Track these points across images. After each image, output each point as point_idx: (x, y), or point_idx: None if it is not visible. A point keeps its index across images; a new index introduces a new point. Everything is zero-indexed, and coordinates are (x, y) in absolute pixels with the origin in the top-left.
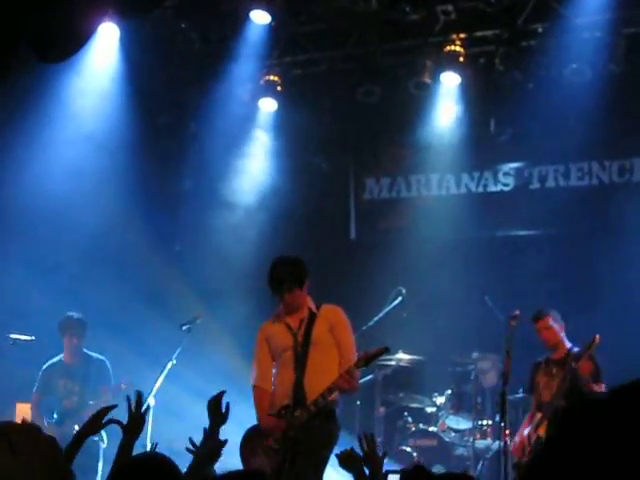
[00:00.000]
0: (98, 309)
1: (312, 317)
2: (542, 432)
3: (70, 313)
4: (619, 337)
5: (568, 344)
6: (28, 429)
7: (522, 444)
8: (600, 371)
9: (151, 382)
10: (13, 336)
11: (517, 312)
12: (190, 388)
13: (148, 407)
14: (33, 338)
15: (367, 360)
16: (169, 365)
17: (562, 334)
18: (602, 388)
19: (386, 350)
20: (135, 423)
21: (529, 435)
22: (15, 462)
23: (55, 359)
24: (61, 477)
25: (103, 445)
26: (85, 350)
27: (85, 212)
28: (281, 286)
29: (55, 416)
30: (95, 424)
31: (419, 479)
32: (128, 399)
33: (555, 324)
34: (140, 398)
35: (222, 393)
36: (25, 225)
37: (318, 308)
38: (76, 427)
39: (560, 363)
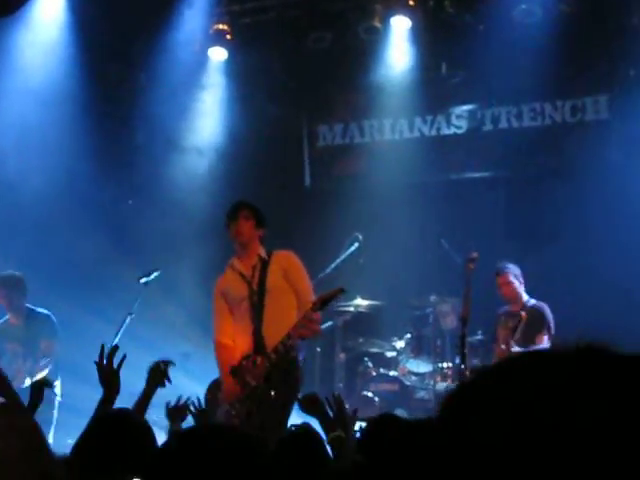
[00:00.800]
0: (54, 269)
1: (264, 264)
2: None
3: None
4: (575, 277)
5: (525, 297)
6: (4, 407)
7: None
8: (544, 322)
9: (111, 337)
10: None
11: (475, 254)
12: (147, 343)
13: (124, 357)
14: None
15: (324, 302)
16: (127, 319)
17: (521, 288)
18: (542, 339)
19: (342, 291)
20: (109, 378)
21: None
22: None
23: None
24: (41, 455)
25: (57, 398)
26: (28, 305)
27: (33, 169)
28: (237, 211)
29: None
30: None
31: (385, 426)
32: (101, 351)
33: (514, 280)
34: (114, 351)
35: (167, 363)
36: None
37: (270, 255)
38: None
39: (516, 315)
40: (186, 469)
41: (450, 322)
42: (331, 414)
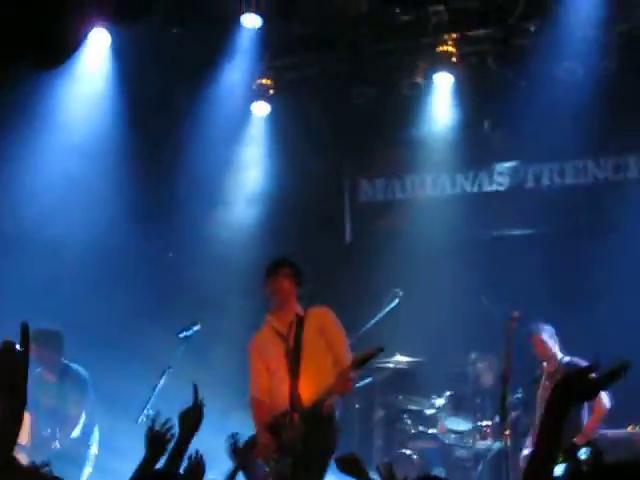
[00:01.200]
0: (94, 322)
1: (300, 321)
2: None
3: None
4: (617, 337)
5: (559, 355)
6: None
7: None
8: None
9: (149, 391)
10: None
11: (517, 313)
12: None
13: (171, 426)
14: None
15: (362, 361)
16: (166, 373)
17: (555, 348)
18: None
19: (381, 350)
20: (157, 441)
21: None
22: None
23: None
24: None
25: (94, 451)
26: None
27: (77, 223)
28: (277, 268)
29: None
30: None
31: None
32: (154, 420)
33: (549, 339)
34: (158, 419)
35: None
36: (16, 238)
37: (306, 312)
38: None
39: (552, 375)
40: None
41: (489, 380)
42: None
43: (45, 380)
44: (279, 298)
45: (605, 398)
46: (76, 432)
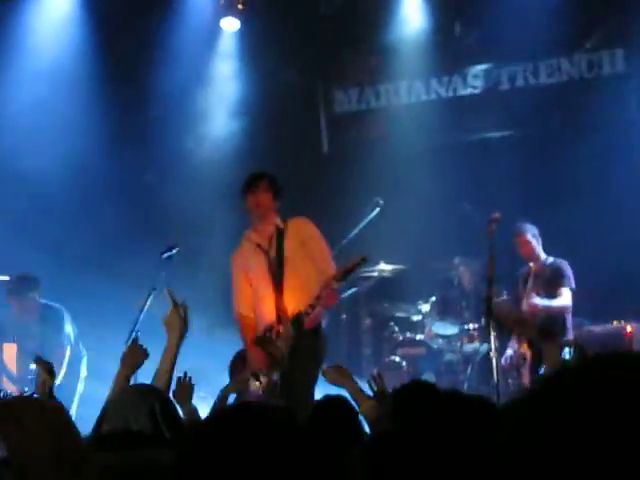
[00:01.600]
0: (75, 248)
1: (280, 233)
2: (524, 349)
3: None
4: (598, 235)
5: (543, 255)
6: (32, 402)
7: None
8: (564, 277)
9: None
10: None
11: (497, 215)
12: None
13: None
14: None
15: (347, 272)
16: (151, 295)
17: (539, 247)
18: (562, 293)
19: (364, 260)
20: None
21: (514, 351)
22: (21, 433)
23: None
24: (70, 441)
25: (83, 374)
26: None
27: (49, 149)
28: (254, 182)
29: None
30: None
31: (416, 394)
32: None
33: (532, 239)
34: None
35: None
36: None
37: (285, 224)
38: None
39: (538, 275)
40: (219, 445)
41: (473, 283)
42: (371, 393)
43: (26, 323)
44: (258, 212)
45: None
46: (63, 368)
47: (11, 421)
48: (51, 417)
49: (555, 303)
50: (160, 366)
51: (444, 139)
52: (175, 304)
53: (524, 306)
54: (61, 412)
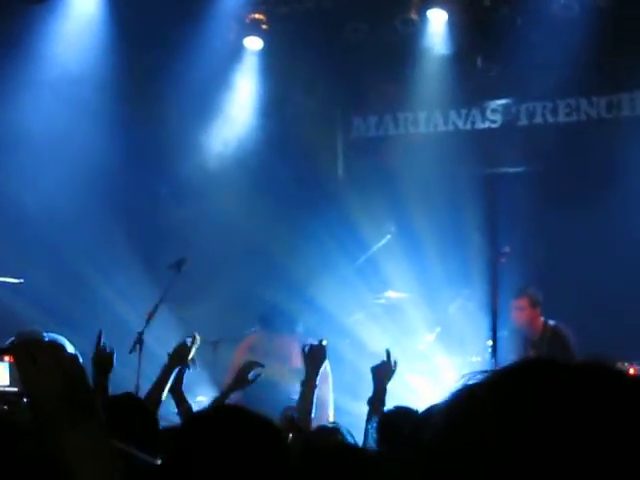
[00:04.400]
0: (83, 258)
1: None
2: None
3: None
4: (612, 266)
5: (540, 321)
6: (52, 346)
7: None
8: (567, 342)
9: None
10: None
11: (507, 249)
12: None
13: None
14: (22, 281)
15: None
16: (158, 307)
17: (537, 316)
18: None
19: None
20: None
21: None
22: (36, 372)
23: None
24: (81, 382)
25: None
26: None
27: (68, 159)
28: None
29: None
30: (181, 355)
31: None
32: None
33: (531, 308)
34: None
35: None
36: (9, 172)
37: None
38: None
39: (536, 344)
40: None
41: (480, 316)
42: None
43: None
44: None
45: None
46: None
47: (28, 358)
48: (63, 358)
49: None
50: (152, 388)
51: (459, 171)
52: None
53: None
54: (73, 358)
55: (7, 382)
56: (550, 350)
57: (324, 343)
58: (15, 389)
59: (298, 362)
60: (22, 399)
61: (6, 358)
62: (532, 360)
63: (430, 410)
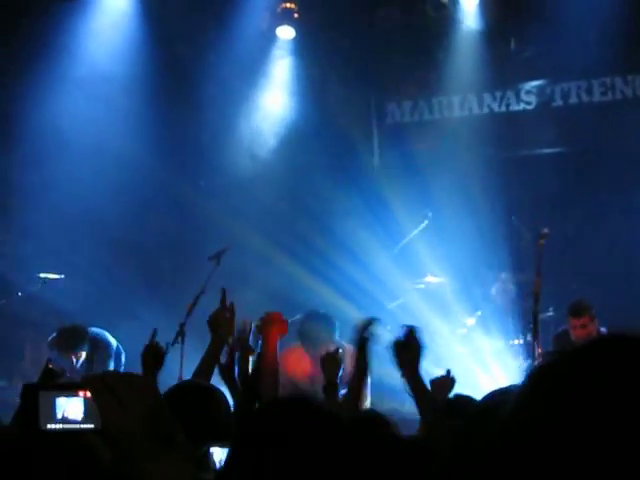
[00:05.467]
0: (126, 254)
1: None
2: None
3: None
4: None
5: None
6: (130, 378)
7: None
8: None
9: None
10: (42, 275)
11: (546, 230)
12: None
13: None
14: (62, 276)
15: None
16: (200, 297)
17: (595, 328)
18: None
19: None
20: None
21: None
22: (125, 416)
23: None
24: (161, 412)
25: None
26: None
27: (104, 155)
28: None
29: None
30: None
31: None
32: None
33: (591, 323)
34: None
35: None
36: (48, 168)
37: None
38: None
39: None
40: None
41: (520, 299)
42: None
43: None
44: None
45: None
46: None
47: (106, 391)
48: (142, 388)
49: None
50: (198, 366)
51: (495, 153)
52: (223, 304)
53: None
54: (152, 385)
55: (80, 418)
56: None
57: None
58: (91, 425)
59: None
60: (100, 436)
61: (81, 393)
62: (607, 337)
63: (489, 397)
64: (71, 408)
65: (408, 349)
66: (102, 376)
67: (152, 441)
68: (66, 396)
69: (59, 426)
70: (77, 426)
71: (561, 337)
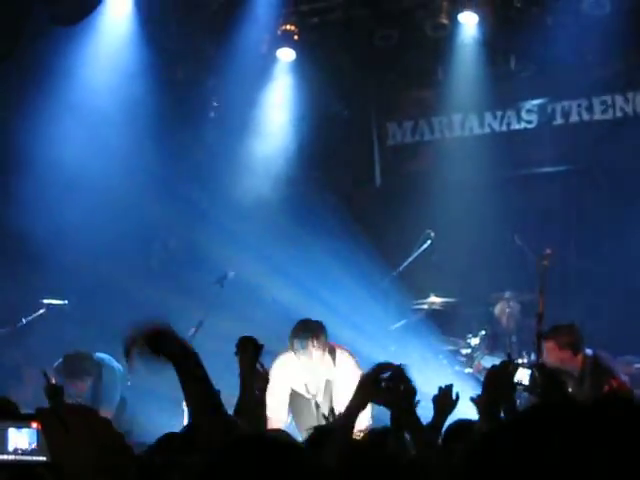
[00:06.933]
0: (129, 274)
1: None
2: None
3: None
4: None
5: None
6: (85, 412)
7: None
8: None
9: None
10: (46, 301)
11: (549, 251)
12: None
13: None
14: (66, 302)
15: None
16: (203, 322)
17: (569, 355)
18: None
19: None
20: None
21: None
22: (76, 450)
23: None
24: (112, 445)
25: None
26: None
27: (106, 177)
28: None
29: None
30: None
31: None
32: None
33: (557, 351)
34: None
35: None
36: (47, 180)
37: None
38: None
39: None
40: None
41: (524, 318)
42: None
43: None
44: None
45: None
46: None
47: (57, 424)
48: (96, 422)
49: None
50: (240, 398)
51: (497, 173)
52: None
53: None
54: (106, 420)
55: (31, 450)
56: (592, 382)
57: None
58: (43, 458)
59: None
60: (50, 470)
61: (33, 424)
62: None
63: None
64: (23, 440)
65: (396, 391)
66: (55, 409)
67: (103, 476)
68: (17, 427)
69: (10, 457)
70: (28, 457)
71: None
